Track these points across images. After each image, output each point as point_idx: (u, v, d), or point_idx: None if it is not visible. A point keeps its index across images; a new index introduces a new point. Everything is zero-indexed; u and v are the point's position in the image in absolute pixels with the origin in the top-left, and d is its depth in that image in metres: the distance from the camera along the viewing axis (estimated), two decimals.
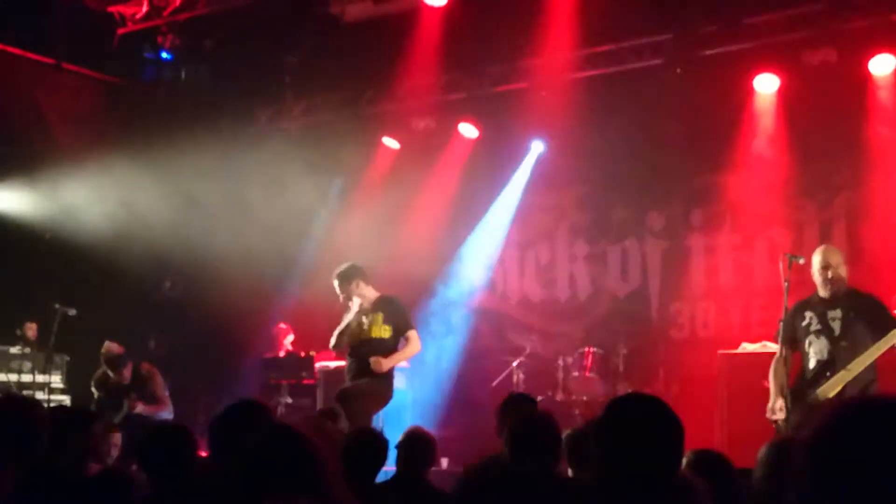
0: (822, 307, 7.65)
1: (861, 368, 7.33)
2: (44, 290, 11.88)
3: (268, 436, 3.61)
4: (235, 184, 13.41)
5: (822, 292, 7.67)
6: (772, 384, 7.66)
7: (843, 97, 10.93)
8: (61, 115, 13.29)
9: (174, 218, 13.34)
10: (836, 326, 7.52)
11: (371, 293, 9.36)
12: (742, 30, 11.05)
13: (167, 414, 10.10)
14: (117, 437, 7.61)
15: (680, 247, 12.57)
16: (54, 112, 13.21)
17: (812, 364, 7.58)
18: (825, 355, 7.52)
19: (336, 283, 9.36)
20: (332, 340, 9.44)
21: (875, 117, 11.03)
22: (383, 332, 9.23)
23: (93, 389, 10.27)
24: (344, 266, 9.45)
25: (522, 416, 5.22)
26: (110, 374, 10.15)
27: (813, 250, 7.88)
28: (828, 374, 7.46)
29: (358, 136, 13.42)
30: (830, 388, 7.40)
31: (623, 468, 3.06)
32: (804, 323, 7.67)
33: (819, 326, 7.59)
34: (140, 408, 9.86)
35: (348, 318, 9.31)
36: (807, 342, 7.63)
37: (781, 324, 7.71)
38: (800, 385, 7.60)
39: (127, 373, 10.14)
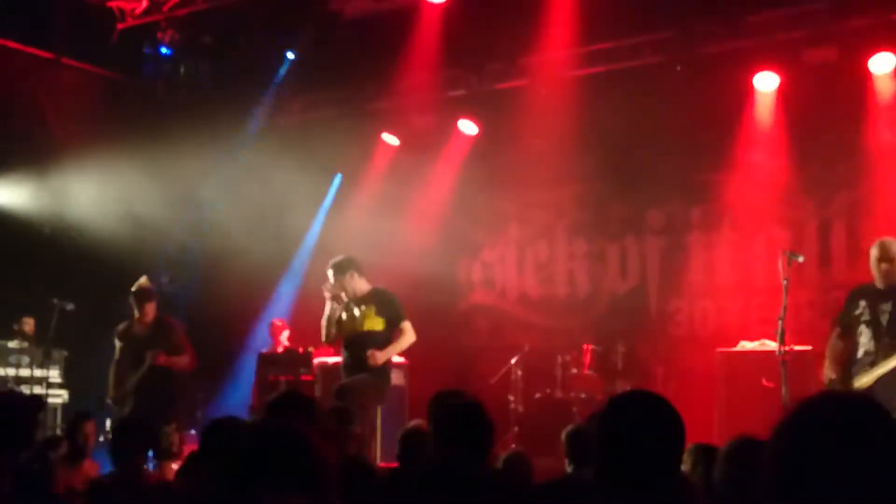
0: (875, 298, 7.68)
1: (891, 366, 7.34)
2: (42, 284, 11.86)
3: (264, 433, 3.60)
4: (234, 179, 13.40)
5: (878, 283, 7.70)
6: (827, 358, 7.86)
7: (844, 96, 10.93)
8: (60, 109, 13.26)
9: (172, 213, 13.34)
10: (885, 320, 7.56)
11: (364, 286, 9.40)
12: (742, 28, 11.04)
13: (188, 364, 9.97)
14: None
15: (679, 244, 12.57)
16: (53, 107, 13.18)
17: (860, 353, 7.64)
18: (871, 346, 7.55)
19: (331, 272, 9.39)
20: (322, 333, 9.49)
21: (875, 116, 11.03)
22: (376, 324, 9.25)
23: (115, 342, 10.12)
24: (340, 257, 9.50)
25: (446, 408, 5.02)
26: (136, 311, 9.98)
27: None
28: (869, 365, 7.49)
29: (357, 132, 13.42)
30: (863, 380, 7.43)
31: (623, 466, 3.05)
32: (857, 311, 7.72)
33: (869, 317, 7.63)
34: (162, 359, 9.74)
35: (332, 307, 9.35)
36: (857, 331, 7.68)
37: (846, 304, 7.85)
38: (848, 372, 7.64)
39: (150, 312, 9.96)
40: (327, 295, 9.39)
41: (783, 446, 1.87)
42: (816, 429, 1.84)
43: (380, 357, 9.08)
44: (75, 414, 8.53)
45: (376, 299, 9.34)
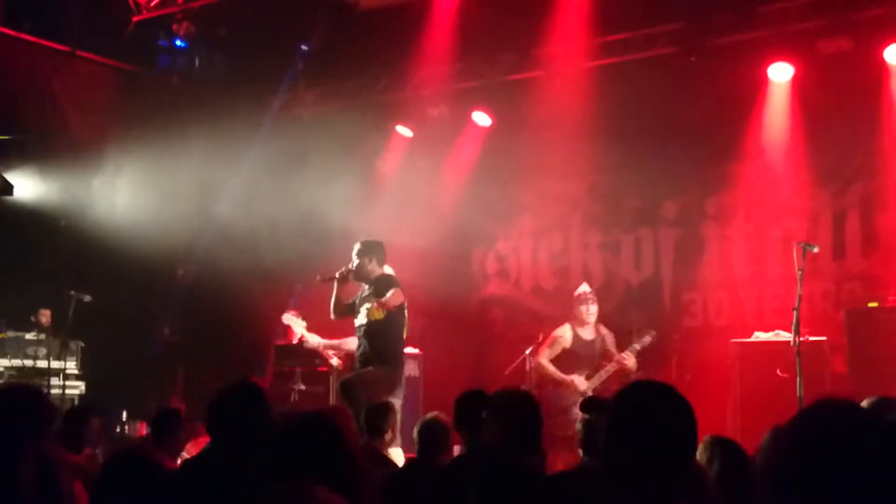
0: None
1: None
2: (59, 276, 11.94)
3: (297, 423, 3.65)
4: (249, 171, 13.44)
5: None
6: None
7: (858, 86, 10.89)
8: (76, 102, 13.33)
9: (188, 205, 13.38)
10: None
11: (377, 273, 9.35)
12: (757, 18, 11.02)
13: None
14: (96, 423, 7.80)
15: (693, 236, 12.55)
16: (69, 99, 13.24)
17: None
18: None
19: (357, 247, 9.40)
20: (332, 312, 9.55)
21: (890, 106, 10.99)
22: (379, 313, 9.18)
23: None
24: (372, 239, 9.53)
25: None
26: None
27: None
28: None
29: (371, 123, 13.44)
30: None
31: (632, 456, 3.06)
32: None
33: None
34: None
35: (337, 291, 9.41)
36: None
37: None
38: None
39: None
40: (337, 274, 9.38)
41: (792, 447, 1.89)
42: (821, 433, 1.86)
43: (384, 303, 9.03)
44: (81, 407, 8.49)
45: (377, 287, 9.24)
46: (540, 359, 10.23)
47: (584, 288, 10.35)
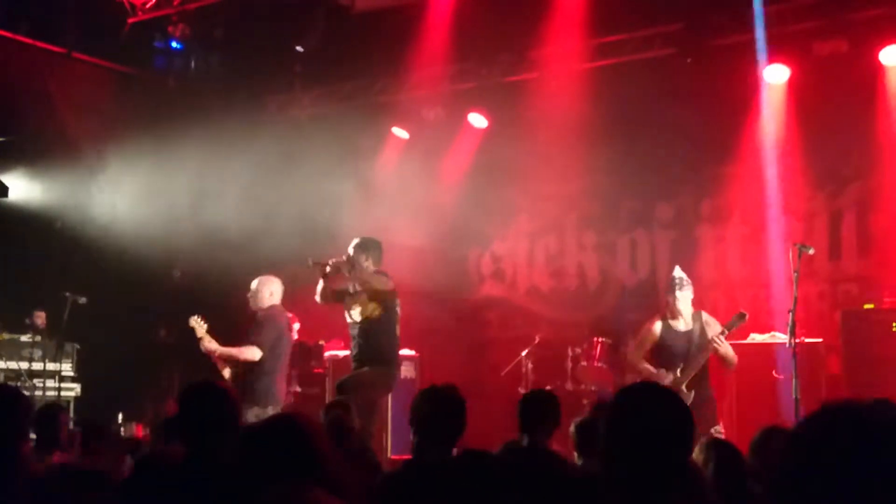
0: None
1: None
2: (54, 278, 11.92)
3: (268, 425, 3.67)
4: (245, 173, 13.42)
5: None
6: None
7: (854, 88, 10.91)
8: (71, 104, 13.31)
9: (184, 206, 13.37)
10: None
11: (371, 269, 9.22)
12: (753, 19, 11.02)
13: None
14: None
15: (689, 237, 12.56)
16: (65, 101, 13.23)
17: None
18: None
19: (355, 242, 9.29)
20: (318, 295, 9.40)
21: (885, 108, 11.00)
22: (373, 311, 9.11)
23: None
24: (370, 238, 9.41)
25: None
26: None
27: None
28: None
29: (368, 125, 13.44)
30: None
31: (630, 458, 3.07)
32: None
33: None
34: None
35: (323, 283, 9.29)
36: None
37: None
38: None
39: None
40: (330, 262, 9.24)
41: (799, 450, 1.88)
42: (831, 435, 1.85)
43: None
44: (48, 405, 8.35)
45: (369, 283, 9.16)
46: (628, 355, 9.63)
47: (675, 273, 9.15)
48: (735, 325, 8.56)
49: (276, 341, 9.30)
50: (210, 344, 9.37)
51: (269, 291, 9.47)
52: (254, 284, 9.55)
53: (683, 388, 8.37)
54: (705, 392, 8.51)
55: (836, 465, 1.80)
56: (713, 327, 8.67)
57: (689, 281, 9.00)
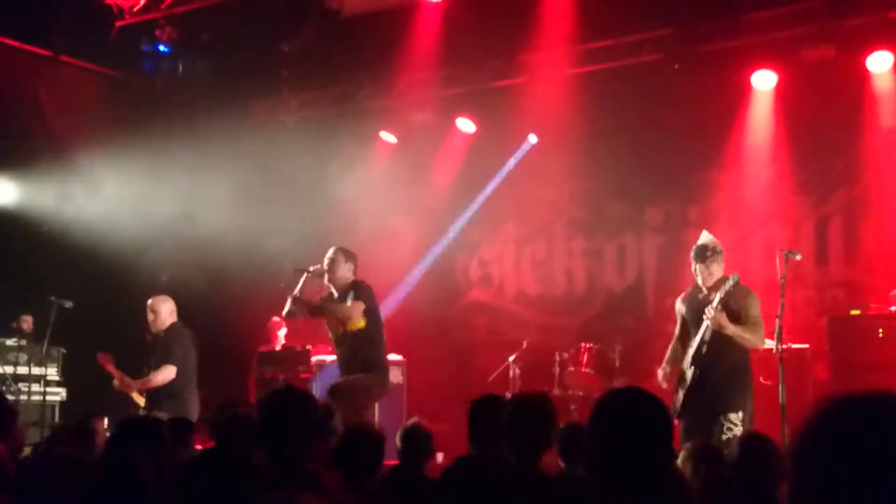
0: None
1: None
2: (40, 282, 11.85)
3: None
4: (232, 176, 13.39)
5: None
6: None
7: (841, 94, 10.95)
8: (59, 107, 13.28)
9: (171, 210, 13.33)
10: None
11: (348, 278, 9.13)
12: (741, 26, 11.06)
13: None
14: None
15: (677, 242, 12.55)
16: (52, 104, 13.20)
17: None
18: None
19: (332, 251, 9.17)
20: (286, 305, 9.19)
21: (873, 114, 11.04)
22: (359, 322, 9.03)
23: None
24: (349, 249, 9.29)
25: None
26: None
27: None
28: None
29: (355, 130, 13.44)
30: None
31: (613, 462, 3.07)
32: None
33: None
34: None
35: (299, 288, 9.15)
36: None
37: None
38: None
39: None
40: (311, 268, 9.15)
41: (805, 447, 1.86)
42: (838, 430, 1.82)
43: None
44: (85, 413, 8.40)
45: (354, 294, 9.04)
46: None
47: (702, 238, 8.27)
48: (730, 291, 7.64)
49: (187, 357, 9.79)
50: (125, 379, 9.54)
51: (168, 311, 9.88)
52: (154, 307, 9.88)
53: (685, 365, 7.76)
54: (715, 370, 7.57)
55: (870, 457, 1.77)
56: (718, 294, 7.64)
57: (712, 248, 8.13)
